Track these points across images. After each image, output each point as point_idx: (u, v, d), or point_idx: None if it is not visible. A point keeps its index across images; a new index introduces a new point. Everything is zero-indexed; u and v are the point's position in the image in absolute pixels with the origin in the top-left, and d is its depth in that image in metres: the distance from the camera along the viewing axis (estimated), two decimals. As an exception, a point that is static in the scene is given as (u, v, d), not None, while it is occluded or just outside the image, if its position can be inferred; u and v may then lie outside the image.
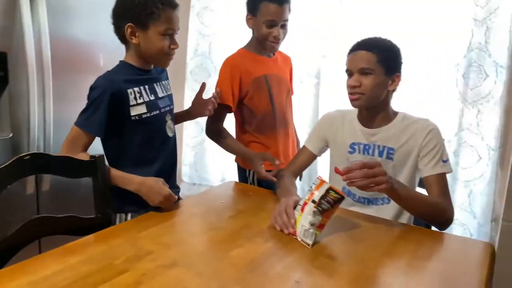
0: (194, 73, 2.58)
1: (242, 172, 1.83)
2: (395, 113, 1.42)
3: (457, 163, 1.85)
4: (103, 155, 1.28)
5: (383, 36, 1.39)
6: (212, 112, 1.56)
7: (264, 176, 1.55)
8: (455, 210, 1.84)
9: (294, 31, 2.24)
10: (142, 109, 1.35)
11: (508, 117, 1.77)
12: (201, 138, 2.63)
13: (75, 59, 1.86)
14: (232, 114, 1.78)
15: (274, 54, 1.79)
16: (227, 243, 1.13)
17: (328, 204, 1.11)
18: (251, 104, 1.73)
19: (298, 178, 1.71)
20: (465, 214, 1.84)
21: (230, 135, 1.78)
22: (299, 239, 1.14)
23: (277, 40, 1.67)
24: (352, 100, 1.36)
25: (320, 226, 1.13)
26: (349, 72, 1.36)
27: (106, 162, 1.32)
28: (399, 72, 1.37)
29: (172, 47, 1.35)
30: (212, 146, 2.51)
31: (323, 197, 1.12)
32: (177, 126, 2.67)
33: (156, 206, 1.28)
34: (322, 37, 2.19)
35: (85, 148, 1.31)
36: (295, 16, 2.10)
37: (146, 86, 1.38)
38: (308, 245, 1.11)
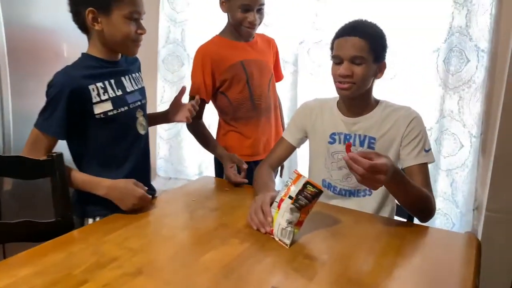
0: (167, 62, 2.46)
1: (218, 164, 1.75)
2: (377, 101, 1.37)
3: (439, 152, 1.81)
4: (61, 154, 1.17)
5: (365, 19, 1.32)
6: (190, 120, 1.45)
7: (233, 180, 1.47)
8: (438, 200, 1.84)
9: (269, 16, 2.16)
10: (107, 106, 1.23)
11: (490, 103, 1.73)
12: (176, 130, 2.52)
13: (34, 48, 1.72)
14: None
15: (253, 37, 1.70)
16: (200, 245, 1.04)
17: (306, 199, 1.04)
18: (228, 92, 1.65)
19: (278, 174, 1.64)
20: (447, 204, 1.80)
21: (206, 131, 1.70)
22: (277, 239, 1.07)
23: (252, 26, 1.59)
24: (341, 89, 1.28)
25: (298, 224, 1.06)
26: (338, 60, 1.27)
27: (73, 164, 1.23)
28: (385, 59, 1.31)
29: (139, 32, 1.24)
30: (188, 138, 2.42)
31: (300, 192, 1.04)
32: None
33: (129, 210, 1.19)
34: (298, 22, 2.09)
35: (48, 152, 1.19)
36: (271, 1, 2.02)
37: (112, 80, 1.27)
38: (286, 245, 1.04)
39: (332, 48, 1.31)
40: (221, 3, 1.60)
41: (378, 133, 1.33)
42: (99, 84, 1.23)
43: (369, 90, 1.34)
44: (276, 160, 1.50)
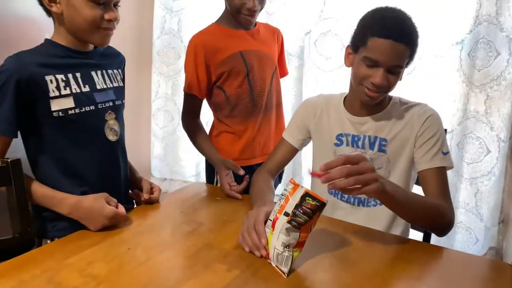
0: (162, 54, 2.27)
1: (209, 167, 1.56)
2: (389, 98, 1.19)
3: (461, 158, 1.60)
4: (19, 159, 0.98)
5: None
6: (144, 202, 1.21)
7: (227, 193, 1.29)
8: (459, 212, 1.63)
9: (271, 4, 1.97)
10: (67, 103, 1.02)
11: (522, 103, 1.52)
12: (172, 128, 2.34)
13: (13, 39, 1.55)
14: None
15: (255, 25, 1.51)
16: (178, 272, 0.86)
17: (305, 215, 0.84)
18: (225, 86, 1.45)
19: (278, 178, 1.45)
20: (470, 217, 1.60)
21: (203, 132, 1.52)
22: (273, 265, 0.88)
23: (252, 13, 1.40)
24: (369, 97, 1.10)
25: (298, 245, 0.86)
26: (373, 63, 1.06)
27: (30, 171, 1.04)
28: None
29: (106, 17, 1.02)
30: (185, 136, 2.24)
31: (297, 206, 0.84)
32: (143, 115, 2.43)
33: (99, 229, 1.02)
34: (304, 10, 1.89)
35: (1, 154, 1.01)
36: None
37: (78, 74, 1.06)
38: (284, 273, 0.86)
39: (360, 43, 1.08)
40: None
41: (390, 134, 1.15)
42: (60, 76, 1.02)
43: None
44: (275, 164, 1.31)
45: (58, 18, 1.03)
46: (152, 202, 1.21)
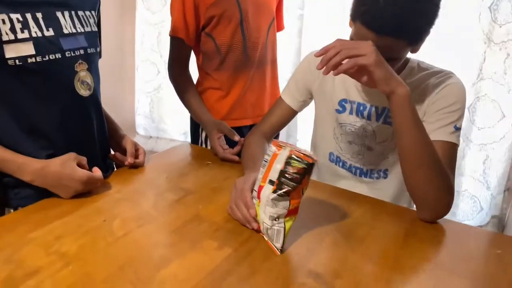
0: (147, 0, 2.05)
1: (194, 126, 1.43)
2: (405, 62, 1.00)
3: (471, 122, 1.48)
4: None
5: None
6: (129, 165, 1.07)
7: (221, 156, 1.16)
8: (464, 180, 1.53)
9: None
10: (26, 49, 0.84)
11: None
12: (158, 82, 2.17)
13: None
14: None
15: None
16: (161, 250, 0.74)
17: (293, 181, 0.72)
18: (214, 33, 1.28)
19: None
20: (476, 184, 1.50)
21: (192, 87, 1.35)
22: (266, 239, 0.77)
23: None
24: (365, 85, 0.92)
25: (290, 213, 0.75)
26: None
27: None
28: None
29: None
30: (171, 91, 2.07)
31: (282, 172, 0.73)
32: (127, 67, 2.23)
33: (71, 197, 0.89)
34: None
35: None
36: None
37: (39, 14, 0.87)
38: (277, 249, 0.75)
39: (352, 18, 0.91)
40: None
41: None
42: (15, 15, 0.83)
43: None
44: (270, 126, 1.18)
45: None
46: (137, 167, 1.07)
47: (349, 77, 1.01)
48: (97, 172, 0.92)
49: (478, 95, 1.45)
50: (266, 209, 0.76)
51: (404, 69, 1.00)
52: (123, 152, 1.09)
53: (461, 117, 0.95)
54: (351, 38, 0.91)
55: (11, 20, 0.83)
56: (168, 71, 1.36)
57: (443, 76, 0.97)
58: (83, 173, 0.88)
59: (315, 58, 1.10)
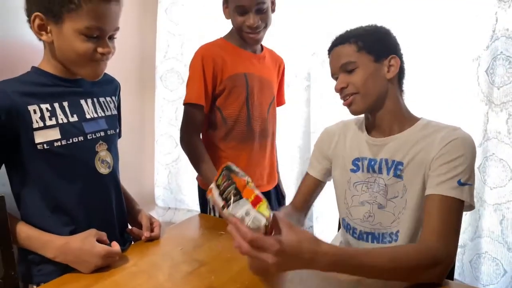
0: (165, 79, 2.22)
1: (201, 193, 1.48)
2: (416, 119, 1.07)
3: (483, 182, 1.49)
4: (2, 196, 0.90)
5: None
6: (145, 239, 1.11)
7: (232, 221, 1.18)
8: (483, 241, 1.50)
9: (276, 24, 1.91)
10: (53, 135, 0.94)
11: (547, 121, 1.41)
12: (176, 155, 2.26)
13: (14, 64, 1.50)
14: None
15: (262, 50, 1.48)
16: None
17: (228, 187, 0.81)
18: (222, 106, 1.38)
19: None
20: (496, 246, 1.47)
21: (207, 155, 1.39)
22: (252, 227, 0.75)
23: (254, 29, 1.35)
24: (347, 106, 1.08)
25: (255, 203, 0.77)
26: (335, 76, 1.10)
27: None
28: (394, 53, 1.05)
29: (99, 51, 0.94)
30: (188, 163, 2.15)
31: (220, 192, 0.82)
32: (146, 141, 2.35)
33: (91, 271, 0.93)
34: (310, 31, 1.83)
35: None
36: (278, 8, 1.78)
37: (65, 103, 0.99)
38: (265, 223, 0.75)
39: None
40: (224, 9, 1.41)
41: (407, 157, 1.02)
42: (45, 106, 0.95)
43: (393, 100, 1.06)
44: (300, 199, 1.23)
45: (48, 46, 0.97)
46: (153, 240, 1.12)
47: (362, 136, 1.11)
48: (115, 246, 0.97)
49: (486, 155, 1.47)
50: (241, 217, 0.76)
51: (414, 125, 1.05)
52: (140, 226, 1.13)
53: (466, 171, 0.93)
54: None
55: (41, 110, 0.94)
56: (183, 139, 1.39)
57: (449, 131, 0.99)
58: (101, 248, 0.93)
59: (328, 131, 1.23)
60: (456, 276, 1.52)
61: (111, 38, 0.98)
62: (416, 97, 1.61)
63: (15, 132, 0.92)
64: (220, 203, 0.81)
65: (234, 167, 0.85)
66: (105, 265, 0.95)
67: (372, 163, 1.07)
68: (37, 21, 0.92)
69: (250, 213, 0.75)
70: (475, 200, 1.48)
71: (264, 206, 0.76)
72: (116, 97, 1.16)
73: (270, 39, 1.92)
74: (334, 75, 1.10)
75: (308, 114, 1.88)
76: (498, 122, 1.45)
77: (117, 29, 0.98)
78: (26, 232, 0.93)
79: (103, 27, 0.93)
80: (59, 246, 0.92)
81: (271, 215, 0.76)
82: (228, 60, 1.37)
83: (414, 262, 0.85)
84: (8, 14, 1.47)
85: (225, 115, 1.39)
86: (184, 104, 1.38)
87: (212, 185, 0.86)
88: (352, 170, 1.12)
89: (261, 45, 1.50)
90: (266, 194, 1.47)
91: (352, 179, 1.12)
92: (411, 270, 0.85)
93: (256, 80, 1.41)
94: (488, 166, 1.47)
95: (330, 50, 1.11)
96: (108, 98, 1.11)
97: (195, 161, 1.39)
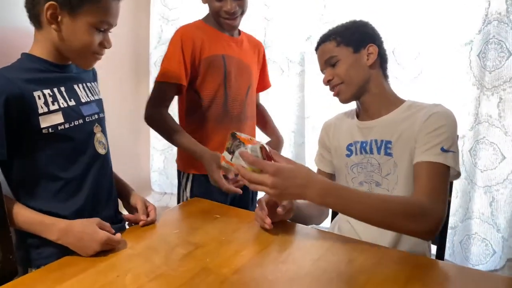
0: (159, 64, 2.20)
1: (180, 176, 1.50)
2: (401, 101, 1.16)
3: (474, 165, 1.51)
4: (-1, 183, 0.92)
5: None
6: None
7: (226, 188, 1.21)
8: (474, 222, 1.53)
9: (270, 9, 1.91)
10: (57, 119, 0.98)
11: (537, 105, 1.43)
12: (171, 140, 2.27)
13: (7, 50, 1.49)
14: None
15: (239, 34, 1.49)
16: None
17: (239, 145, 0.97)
18: (200, 87, 1.40)
19: None
20: (486, 227, 1.51)
21: (177, 124, 1.40)
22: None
23: (231, 15, 1.37)
24: (336, 96, 1.20)
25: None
26: (323, 71, 1.22)
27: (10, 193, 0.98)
28: (372, 42, 1.14)
29: (105, 44, 1.02)
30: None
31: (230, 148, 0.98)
32: (142, 127, 2.34)
33: (90, 255, 0.95)
34: (304, 15, 1.83)
35: None
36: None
37: (62, 88, 1.02)
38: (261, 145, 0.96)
39: None
40: None
41: (394, 135, 1.09)
42: (47, 91, 0.98)
43: (378, 84, 1.15)
44: None
45: (51, 34, 0.98)
46: (149, 224, 1.14)
47: (353, 122, 1.19)
48: (117, 236, 0.99)
49: (477, 138, 1.49)
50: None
51: (399, 107, 1.13)
52: (134, 209, 1.15)
53: (448, 139, 1.02)
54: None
55: (44, 95, 0.97)
56: (152, 113, 1.38)
57: (431, 107, 1.08)
58: (103, 234, 0.95)
59: (326, 125, 1.30)
60: (446, 257, 1.56)
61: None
62: (408, 81, 1.63)
63: (20, 118, 0.94)
64: (229, 157, 0.97)
65: (238, 133, 0.98)
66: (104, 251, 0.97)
67: (364, 145, 1.15)
68: (50, 10, 0.94)
69: (247, 147, 0.94)
70: (466, 182, 1.52)
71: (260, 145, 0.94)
72: (97, 82, 1.19)
73: (264, 23, 1.93)
74: (322, 71, 1.22)
75: (303, 99, 1.89)
76: (489, 105, 1.47)
77: (115, 25, 1.04)
78: (27, 216, 0.95)
79: (111, 22, 1.01)
80: (62, 228, 0.94)
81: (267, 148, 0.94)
82: (206, 41, 1.39)
83: (402, 206, 0.93)
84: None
85: (202, 96, 1.41)
86: (158, 81, 1.38)
87: (224, 153, 0.99)
88: (347, 155, 1.18)
89: (238, 29, 1.51)
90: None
91: (349, 163, 1.18)
92: (399, 214, 0.92)
93: (234, 63, 1.43)
94: (479, 149, 1.50)
95: (316, 49, 1.23)
96: (93, 83, 1.14)
97: (169, 134, 1.37)
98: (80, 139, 1.04)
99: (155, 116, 1.39)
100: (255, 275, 0.88)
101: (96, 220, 0.97)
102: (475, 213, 1.52)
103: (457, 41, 1.53)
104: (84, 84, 1.09)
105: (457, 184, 1.55)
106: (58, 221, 0.96)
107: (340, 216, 1.25)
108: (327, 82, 1.18)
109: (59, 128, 0.98)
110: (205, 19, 1.46)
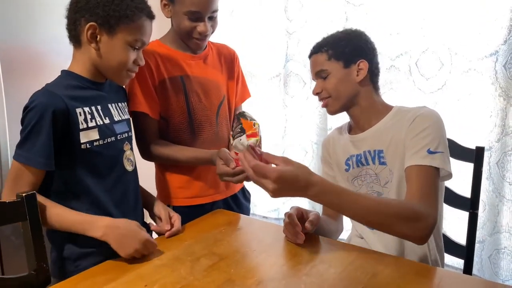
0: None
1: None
2: (389, 109, 1.16)
3: (502, 177, 1.48)
4: (34, 193, 0.96)
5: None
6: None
7: (232, 172, 1.14)
8: (503, 236, 1.49)
9: (292, 24, 1.94)
10: (94, 135, 1.05)
11: None
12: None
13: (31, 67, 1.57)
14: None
15: (204, 48, 1.37)
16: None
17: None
18: (165, 113, 1.31)
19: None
20: (516, 241, 1.47)
21: (174, 145, 1.31)
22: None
23: (203, 37, 1.28)
24: (324, 107, 1.21)
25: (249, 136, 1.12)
26: (314, 80, 1.23)
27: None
28: (363, 57, 1.13)
29: (139, 62, 1.09)
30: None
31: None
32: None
33: (129, 256, 0.99)
34: (326, 28, 1.84)
35: (33, 187, 1.00)
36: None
37: (99, 106, 1.09)
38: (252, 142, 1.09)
39: None
40: (163, 6, 1.27)
41: (385, 143, 1.11)
42: (86, 108, 1.05)
43: (367, 98, 1.15)
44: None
45: (90, 52, 1.05)
46: (175, 234, 1.17)
47: (345, 137, 1.21)
48: (155, 240, 1.05)
49: (504, 150, 1.47)
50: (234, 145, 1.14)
51: (387, 114, 1.14)
52: (157, 217, 1.20)
53: (434, 140, 1.02)
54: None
55: (84, 112, 1.04)
56: (147, 149, 1.30)
57: (415, 110, 1.09)
58: (145, 233, 1.00)
59: (324, 142, 1.31)
60: (475, 271, 1.52)
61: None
62: (432, 92, 1.62)
63: (65, 132, 1.01)
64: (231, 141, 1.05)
65: (246, 113, 1.05)
66: (142, 254, 1.00)
67: (359, 157, 1.16)
68: (90, 30, 1.01)
69: (241, 139, 1.01)
70: (494, 195, 1.48)
71: (255, 139, 1.00)
72: (126, 103, 1.24)
73: (286, 37, 1.95)
74: (314, 79, 1.22)
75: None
76: (516, 116, 1.44)
77: (148, 43, 1.11)
78: (70, 216, 1.00)
79: (146, 40, 1.08)
80: (106, 224, 0.99)
81: (259, 141, 1.03)
82: (162, 63, 1.29)
83: (397, 209, 0.95)
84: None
85: (170, 123, 1.32)
86: (134, 111, 1.26)
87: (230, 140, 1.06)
88: (346, 170, 1.20)
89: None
90: (234, 198, 1.45)
91: (349, 178, 1.20)
92: (393, 216, 0.94)
93: (196, 82, 1.32)
94: (507, 161, 1.47)
95: (309, 57, 1.22)
96: (123, 103, 1.20)
97: (173, 158, 1.30)
98: (111, 156, 1.09)
99: (152, 152, 1.30)
100: (279, 287, 0.88)
101: (136, 222, 1.03)
102: (504, 227, 1.49)
103: (482, 52, 1.51)
104: (115, 104, 1.15)
105: (484, 197, 1.51)
106: (102, 219, 1.01)
107: (353, 232, 1.25)
108: (316, 94, 1.20)
109: (94, 144, 1.05)
110: (162, 39, 1.34)
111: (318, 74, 1.18)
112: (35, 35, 1.58)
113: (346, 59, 1.14)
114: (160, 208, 1.20)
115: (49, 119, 0.97)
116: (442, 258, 1.16)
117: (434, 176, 1.01)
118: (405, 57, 1.68)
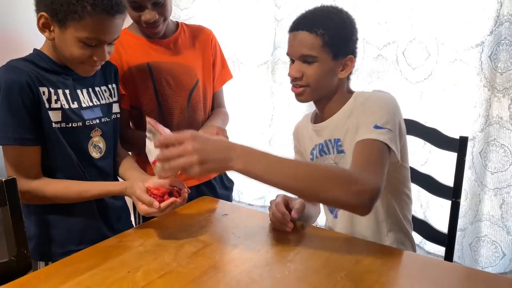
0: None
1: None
2: (350, 95, 1.11)
3: (484, 167, 1.50)
4: (14, 178, 0.95)
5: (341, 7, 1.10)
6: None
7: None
8: (483, 225, 1.52)
9: (280, 10, 1.91)
10: (57, 117, 1.05)
11: (549, 107, 1.42)
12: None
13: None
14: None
15: (176, 30, 1.36)
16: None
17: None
18: (136, 102, 1.32)
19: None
20: (496, 229, 1.50)
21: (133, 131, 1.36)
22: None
23: (152, 25, 1.25)
24: (295, 94, 1.10)
25: None
26: (291, 57, 1.09)
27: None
28: (352, 54, 1.07)
29: (95, 58, 1.03)
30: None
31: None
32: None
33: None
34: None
35: (38, 166, 1.04)
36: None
37: (67, 91, 1.07)
38: None
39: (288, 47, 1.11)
40: None
41: (342, 132, 1.08)
42: (52, 90, 1.04)
43: (337, 89, 1.10)
44: None
45: (49, 40, 1.04)
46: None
47: (310, 126, 1.18)
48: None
49: (487, 141, 1.48)
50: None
51: (347, 102, 1.09)
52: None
53: (382, 117, 0.98)
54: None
55: (49, 93, 1.03)
56: (126, 139, 1.30)
57: (369, 93, 1.08)
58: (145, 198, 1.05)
59: (295, 130, 1.28)
60: (455, 259, 1.55)
61: (110, 43, 1.05)
62: (419, 82, 1.63)
63: (35, 108, 1.00)
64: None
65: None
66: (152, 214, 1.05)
67: (321, 146, 1.14)
68: (42, 20, 0.99)
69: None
70: (476, 184, 1.51)
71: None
72: (113, 83, 1.20)
73: (274, 24, 1.93)
74: (291, 57, 1.09)
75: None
76: (500, 107, 1.45)
77: (116, 37, 1.05)
78: (96, 188, 1.09)
79: (103, 39, 1.01)
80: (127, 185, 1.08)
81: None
82: (125, 52, 1.29)
83: (332, 173, 0.90)
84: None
85: (142, 111, 1.32)
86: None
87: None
88: (311, 159, 1.18)
89: (179, 23, 1.39)
90: (208, 186, 1.45)
91: None
92: (326, 178, 0.87)
93: (164, 68, 1.31)
94: (489, 151, 1.49)
95: (293, 29, 1.06)
96: (103, 87, 1.17)
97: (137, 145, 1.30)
98: (74, 141, 1.08)
99: (131, 139, 1.32)
100: (264, 273, 0.89)
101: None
102: (485, 216, 1.51)
103: (468, 43, 1.52)
104: (89, 89, 1.13)
105: (466, 186, 1.54)
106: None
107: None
108: (293, 78, 1.08)
109: (61, 125, 1.05)
110: (131, 26, 1.34)
111: (304, 58, 1.05)
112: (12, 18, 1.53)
113: (337, 51, 1.04)
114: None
115: (17, 95, 0.96)
116: (412, 243, 1.15)
117: (380, 149, 0.95)
118: (392, 47, 1.68)
